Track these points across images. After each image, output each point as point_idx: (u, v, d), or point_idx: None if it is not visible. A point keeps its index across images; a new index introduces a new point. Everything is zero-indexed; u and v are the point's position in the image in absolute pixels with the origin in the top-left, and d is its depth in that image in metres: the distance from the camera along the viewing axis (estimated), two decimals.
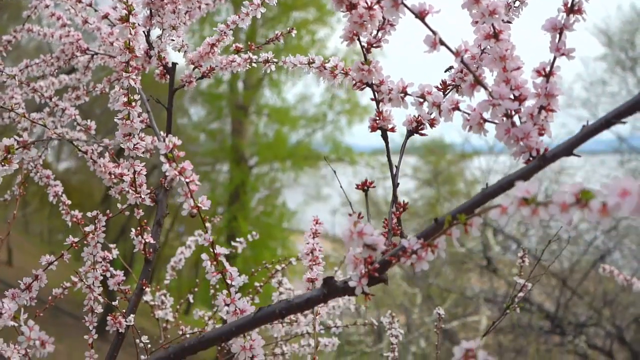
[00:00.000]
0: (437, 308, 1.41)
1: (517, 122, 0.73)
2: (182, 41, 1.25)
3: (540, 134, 0.71)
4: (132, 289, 1.20)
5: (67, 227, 1.16)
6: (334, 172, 1.02)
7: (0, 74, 1.44)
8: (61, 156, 11.80)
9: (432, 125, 0.87)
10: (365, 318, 1.73)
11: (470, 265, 7.83)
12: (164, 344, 1.40)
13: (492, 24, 0.74)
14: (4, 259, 8.82)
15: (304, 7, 10.77)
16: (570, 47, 0.71)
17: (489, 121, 0.75)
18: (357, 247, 0.66)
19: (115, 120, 1.02)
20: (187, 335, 1.57)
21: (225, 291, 0.81)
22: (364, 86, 0.87)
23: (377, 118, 0.88)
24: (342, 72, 0.98)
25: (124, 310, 1.15)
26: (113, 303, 1.16)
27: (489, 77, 0.78)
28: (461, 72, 0.85)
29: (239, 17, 1.23)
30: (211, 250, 0.82)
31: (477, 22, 0.76)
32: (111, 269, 1.19)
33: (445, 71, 0.86)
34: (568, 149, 0.65)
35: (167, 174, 0.77)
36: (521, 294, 1.35)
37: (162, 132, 1.26)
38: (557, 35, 0.71)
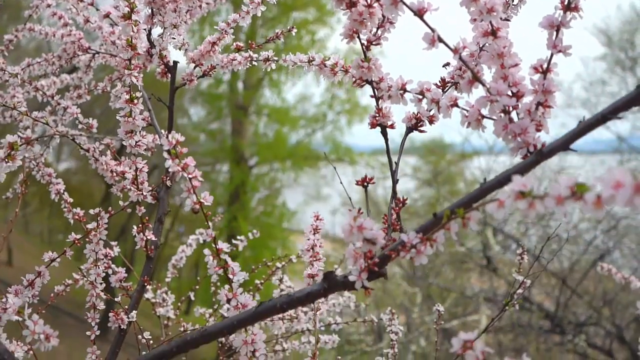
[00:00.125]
0: (436, 305, 1.42)
1: (515, 118, 0.74)
2: (183, 39, 1.26)
3: (538, 130, 0.72)
4: (133, 286, 1.22)
5: (67, 227, 1.17)
6: (334, 168, 1.03)
7: (2, 72, 1.45)
8: (61, 156, 11.83)
9: (431, 122, 0.88)
10: (365, 317, 1.74)
11: (470, 265, 7.84)
12: (166, 340, 1.41)
13: (490, 22, 0.75)
14: (4, 259, 8.83)
15: (304, 7, 10.79)
16: (567, 44, 0.72)
17: (487, 117, 0.76)
18: (356, 241, 0.67)
19: (117, 117, 1.03)
20: (189, 332, 1.58)
21: (227, 286, 0.82)
22: (363, 83, 0.88)
23: (377, 115, 0.89)
24: (342, 69, 0.99)
25: (126, 307, 1.16)
26: (115, 299, 1.17)
27: (487, 74, 0.79)
28: (460, 69, 0.86)
29: (240, 15, 1.24)
30: (213, 245, 0.83)
31: (475, 20, 0.77)
32: (113, 266, 1.20)
33: (443, 66, 0.87)
34: (565, 144, 0.66)
35: (170, 169, 0.78)
36: (520, 291, 1.36)
37: (163, 131, 1.27)
38: (554, 33, 0.73)
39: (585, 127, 0.65)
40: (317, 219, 1.00)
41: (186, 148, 0.79)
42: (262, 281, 1.72)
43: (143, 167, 1.11)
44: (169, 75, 1.32)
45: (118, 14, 1.04)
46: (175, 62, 1.30)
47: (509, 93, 0.74)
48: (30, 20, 1.59)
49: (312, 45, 10.67)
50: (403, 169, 10.50)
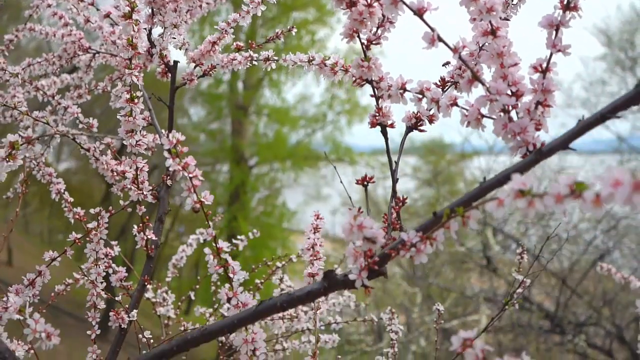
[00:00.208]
0: (436, 304, 1.42)
1: (514, 117, 0.74)
2: (184, 39, 1.27)
3: (537, 129, 0.72)
4: (133, 285, 1.22)
5: (67, 227, 1.17)
6: (334, 167, 1.04)
7: (3, 72, 1.45)
8: (61, 156, 11.84)
9: (430, 121, 0.89)
10: (366, 316, 1.74)
11: (470, 265, 7.84)
12: (166, 340, 1.41)
13: (490, 21, 0.75)
14: (4, 259, 8.83)
15: (304, 8, 10.79)
16: (566, 43, 0.73)
17: (486, 116, 0.77)
18: (357, 240, 0.68)
19: (118, 117, 1.04)
20: (189, 331, 1.58)
21: (227, 285, 0.82)
22: (363, 83, 0.89)
23: (377, 114, 0.90)
24: (342, 69, 1.00)
25: (126, 306, 1.16)
26: (116, 298, 1.17)
27: (487, 73, 0.79)
28: (459, 68, 0.86)
29: (240, 15, 1.25)
30: (214, 244, 0.83)
31: (474, 20, 0.77)
32: (113, 265, 1.20)
33: (443, 65, 0.87)
34: (564, 143, 0.66)
35: (170, 169, 0.78)
36: (520, 290, 1.37)
37: (163, 130, 1.27)
38: (554, 32, 0.73)
39: (584, 126, 0.65)
40: (317, 218, 1.01)
41: (186, 147, 0.79)
42: (263, 280, 1.72)
43: (143, 166, 1.11)
44: (169, 75, 1.32)
45: (118, 14, 1.04)
46: (176, 62, 1.30)
47: (509, 92, 0.74)
48: (30, 20, 1.60)
49: (312, 45, 10.67)
50: (403, 169, 10.51)
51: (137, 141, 1.06)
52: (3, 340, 0.78)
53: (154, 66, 1.32)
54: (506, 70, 0.75)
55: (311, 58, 1.06)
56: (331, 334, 1.60)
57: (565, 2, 0.72)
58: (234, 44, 1.31)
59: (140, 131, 1.08)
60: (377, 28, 0.87)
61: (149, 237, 1.16)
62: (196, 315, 1.89)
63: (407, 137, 0.93)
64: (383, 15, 0.85)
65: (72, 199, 1.30)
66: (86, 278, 1.16)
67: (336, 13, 10.23)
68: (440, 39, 0.74)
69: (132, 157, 1.11)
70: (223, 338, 1.64)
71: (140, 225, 1.16)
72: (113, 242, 1.23)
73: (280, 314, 1.61)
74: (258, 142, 11.29)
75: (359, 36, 0.85)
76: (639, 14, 8.88)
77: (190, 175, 0.79)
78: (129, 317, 1.13)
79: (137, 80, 1.02)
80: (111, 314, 1.13)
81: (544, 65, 0.74)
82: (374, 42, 0.87)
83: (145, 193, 1.12)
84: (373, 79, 0.88)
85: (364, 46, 0.87)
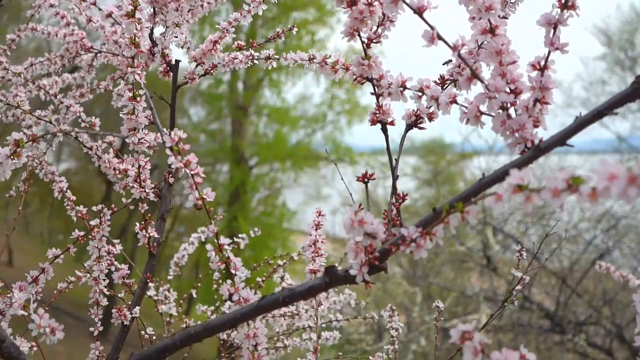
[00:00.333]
0: (436, 301, 1.43)
1: (513, 115, 0.75)
2: (185, 38, 1.28)
3: (535, 126, 0.73)
4: (135, 283, 1.23)
5: (67, 227, 1.18)
6: (335, 165, 1.05)
7: (5, 72, 1.46)
8: (61, 157, 11.85)
9: (430, 119, 0.90)
10: (366, 314, 1.75)
11: (470, 264, 7.85)
12: (169, 336, 1.42)
13: (489, 20, 0.76)
14: (4, 260, 8.84)
15: (304, 8, 10.80)
16: (564, 41, 0.74)
17: (485, 114, 0.78)
18: (357, 235, 0.69)
19: (120, 115, 1.05)
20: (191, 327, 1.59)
21: (229, 281, 0.83)
22: (364, 81, 0.90)
23: (377, 112, 0.91)
24: (343, 67, 1.01)
25: (129, 303, 1.17)
26: (119, 295, 1.18)
27: (486, 71, 0.80)
28: (459, 66, 0.87)
29: (241, 14, 1.26)
30: (215, 241, 0.84)
31: (473, 18, 0.78)
32: (115, 262, 1.21)
33: (444, 64, 0.88)
34: (562, 139, 0.67)
35: (172, 166, 0.79)
36: (519, 288, 1.38)
37: (165, 129, 1.28)
38: (552, 30, 0.74)
39: (581, 123, 0.66)
40: (319, 215, 1.02)
41: (188, 145, 0.80)
42: (264, 279, 1.73)
43: (146, 164, 1.12)
44: (171, 74, 1.33)
45: (121, 13, 1.05)
46: (177, 61, 1.31)
47: (507, 90, 0.75)
48: (31, 20, 1.61)
49: (312, 45, 10.68)
50: (403, 169, 10.52)
51: (139, 139, 1.07)
52: (8, 336, 0.79)
53: (155, 65, 1.33)
54: (505, 68, 0.76)
55: (312, 56, 1.07)
56: (332, 332, 1.61)
57: (563, 1, 0.73)
58: (235, 43, 1.32)
59: (143, 129, 1.09)
60: (378, 27, 0.88)
61: (151, 234, 1.17)
62: (197, 314, 1.90)
63: (407, 137, 0.94)
64: (383, 14, 0.86)
65: (74, 197, 1.31)
66: (89, 275, 1.17)
67: (336, 13, 10.26)
68: (439, 37, 0.75)
69: (134, 155, 1.12)
70: (225, 336, 1.65)
71: (143, 223, 1.17)
72: (115, 241, 1.24)
73: (282, 312, 1.62)
74: (258, 142, 11.30)
75: (359, 35, 0.86)
76: (638, 13, 8.90)
77: (192, 172, 0.80)
78: (131, 314, 1.14)
79: (140, 78, 1.03)
80: (114, 311, 1.14)
81: (542, 63, 0.74)
82: (374, 41, 0.88)
83: (147, 191, 1.13)
84: (373, 77, 0.89)
85: (364, 45, 0.88)
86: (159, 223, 1.23)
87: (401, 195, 0.87)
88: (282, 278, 1.76)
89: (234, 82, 10.91)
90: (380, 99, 0.91)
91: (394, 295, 8.15)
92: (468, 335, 0.57)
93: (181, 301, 1.82)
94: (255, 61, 1.30)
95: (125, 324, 1.14)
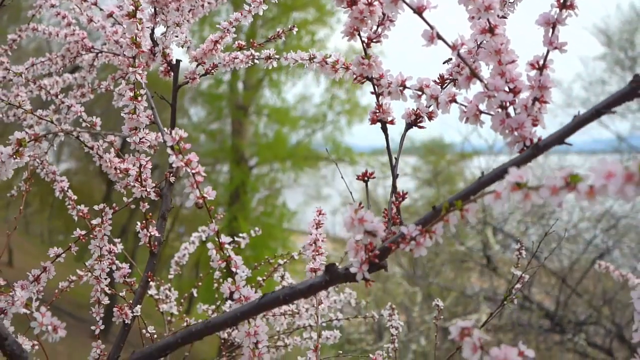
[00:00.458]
0: (436, 299, 1.44)
1: (512, 113, 0.76)
2: (186, 37, 1.28)
3: (534, 125, 0.74)
4: (136, 282, 1.23)
5: (67, 228, 1.19)
6: (336, 164, 1.05)
7: (6, 72, 1.47)
8: (61, 157, 11.85)
9: (430, 118, 0.90)
10: (366, 313, 1.76)
11: (470, 264, 7.86)
12: (170, 335, 1.43)
13: (488, 19, 0.77)
14: (4, 260, 8.84)
15: (304, 8, 10.80)
16: (563, 41, 0.74)
17: (484, 112, 0.78)
18: (358, 233, 0.69)
19: (121, 115, 1.05)
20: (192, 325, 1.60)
21: (230, 279, 0.83)
22: (364, 80, 0.90)
23: (377, 111, 0.91)
24: (343, 66, 1.01)
25: (130, 302, 1.18)
26: (120, 294, 1.19)
27: (485, 70, 0.81)
28: (458, 66, 0.88)
29: (242, 14, 1.26)
30: (216, 239, 0.84)
31: (473, 18, 0.79)
32: (117, 262, 1.21)
33: (444, 63, 0.89)
34: (560, 138, 0.68)
35: (173, 165, 0.79)
36: (518, 286, 1.38)
37: (166, 129, 1.29)
38: (550, 30, 0.74)
39: (579, 122, 0.67)
40: (319, 214, 1.02)
41: (189, 144, 0.81)
42: (264, 278, 1.73)
43: (147, 163, 1.13)
44: (172, 74, 1.34)
45: (122, 13, 1.05)
46: (178, 61, 1.32)
47: (506, 89, 0.76)
48: (32, 20, 1.61)
49: (312, 46, 10.68)
50: (403, 169, 10.53)
51: (140, 138, 1.08)
52: (10, 334, 0.79)
53: (156, 65, 1.34)
54: (504, 67, 0.76)
55: (312, 56, 1.07)
56: (332, 330, 1.61)
57: (562, 1, 0.73)
58: (236, 43, 1.33)
59: (144, 129, 1.10)
60: (378, 26, 0.88)
61: (152, 233, 1.18)
62: (198, 313, 1.90)
63: (407, 137, 0.94)
64: (383, 14, 0.86)
65: (75, 197, 1.32)
66: (90, 274, 1.17)
67: (336, 13, 10.27)
68: (439, 37, 0.75)
69: (135, 155, 1.12)
70: (225, 335, 1.65)
71: (144, 222, 1.18)
72: (115, 240, 1.25)
73: (282, 310, 1.63)
74: (258, 142, 11.30)
75: (359, 34, 0.87)
76: (638, 13, 8.91)
77: (193, 171, 0.81)
78: (132, 312, 1.15)
79: (141, 78, 1.04)
80: (115, 309, 1.15)
81: (541, 62, 0.75)
82: (374, 40, 0.89)
83: (148, 190, 1.13)
84: (373, 76, 0.90)
85: (364, 44, 0.89)
86: (160, 222, 1.23)
87: (401, 193, 0.88)
88: (282, 277, 1.77)
89: (234, 82, 10.92)
90: (380, 98, 0.91)
91: (394, 295, 8.16)
92: (467, 331, 0.57)
93: (182, 300, 1.83)
94: (256, 61, 1.31)
95: (126, 322, 1.15)
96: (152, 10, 1.22)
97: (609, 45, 9.08)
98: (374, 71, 0.88)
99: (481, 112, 0.79)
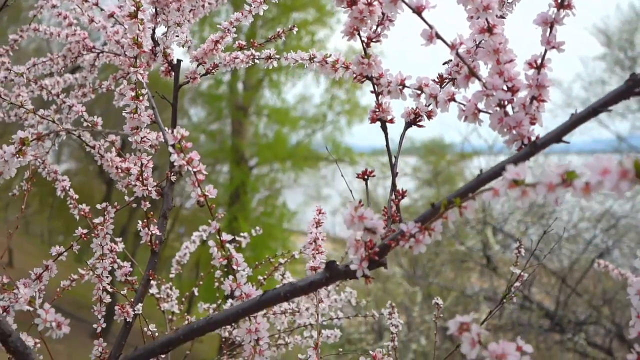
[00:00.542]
0: (436, 298, 1.44)
1: (510, 112, 0.76)
2: (186, 37, 1.29)
3: (532, 123, 0.75)
4: (137, 281, 1.24)
5: (67, 228, 1.20)
6: (337, 163, 1.06)
7: (8, 72, 1.47)
8: (61, 158, 11.86)
9: (429, 117, 0.91)
10: (367, 312, 1.76)
11: (470, 264, 7.86)
12: (171, 332, 1.43)
13: (487, 19, 0.77)
14: (4, 260, 8.83)
15: (304, 8, 10.82)
16: (560, 40, 0.75)
17: (483, 111, 0.79)
18: (358, 230, 0.70)
19: (123, 114, 1.06)
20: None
21: (231, 276, 0.84)
22: (364, 79, 0.91)
23: (377, 110, 0.92)
24: (343, 66, 1.02)
25: (131, 300, 1.18)
26: (121, 293, 1.20)
27: (484, 69, 0.82)
28: (457, 65, 0.88)
29: (242, 14, 1.27)
30: (217, 237, 0.85)
31: (472, 17, 0.80)
32: (118, 260, 1.22)
33: (444, 64, 0.90)
34: (557, 136, 0.68)
35: (175, 164, 0.80)
36: (518, 284, 1.39)
37: (167, 128, 1.30)
38: (548, 29, 0.75)
39: (577, 120, 0.68)
40: (319, 213, 1.03)
41: (190, 143, 0.82)
42: (265, 277, 1.74)
43: (148, 162, 1.13)
44: (172, 74, 1.34)
45: (123, 13, 1.06)
46: (179, 60, 1.33)
47: (505, 88, 0.77)
48: (33, 20, 1.62)
49: (312, 46, 10.69)
50: (403, 169, 10.54)
51: (142, 138, 1.09)
52: (14, 330, 0.80)
53: (157, 65, 1.35)
54: (502, 67, 0.77)
55: (312, 56, 1.08)
56: (332, 329, 1.62)
57: (559, 0, 0.74)
58: (236, 43, 1.33)
59: (145, 128, 1.11)
60: (377, 26, 0.89)
61: (153, 232, 1.19)
62: (199, 312, 1.91)
63: (407, 137, 0.95)
64: (383, 14, 0.87)
65: (77, 196, 1.32)
66: (92, 273, 1.18)
67: (336, 13, 10.28)
68: (438, 36, 0.76)
69: (136, 154, 1.13)
70: (226, 334, 1.66)
71: (145, 221, 1.19)
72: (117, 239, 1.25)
73: (283, 309, 1.64)
74: (258, 142, 11.32)
75: (359, 34, 0.87)
76: (638, 13, 8.92)
77: (195, 169, 0.81)
78: (134, 310, 1.15)
79: (142, 78, 1.05)
80: (116, 308, 1.15)
81: (539, 61, 0.76)
82: (374, 40, 0.90)
83: (149, 189, 1.14)
84: (373, 75, 0.91)
85: (364, 44, 0.89)
86: (161, 221, 1.24)
87: (401, 192, 0.89)
88: (283, 276, 1.78)
89: (234, 83, 10.93)
90: (380, 97, 0.92)
91: (394, 295, 8.16)
92: (466, 326, 0.58)
93: (183, 299, 1.84)
94: (256, 61, 1.32)
95: (127, 320, 1.16)
96: (153, 10, 1.22)
97: (609, 45, 9.10)
98: (374, 70, 0.89)
99: (480, 110, 0.79)
